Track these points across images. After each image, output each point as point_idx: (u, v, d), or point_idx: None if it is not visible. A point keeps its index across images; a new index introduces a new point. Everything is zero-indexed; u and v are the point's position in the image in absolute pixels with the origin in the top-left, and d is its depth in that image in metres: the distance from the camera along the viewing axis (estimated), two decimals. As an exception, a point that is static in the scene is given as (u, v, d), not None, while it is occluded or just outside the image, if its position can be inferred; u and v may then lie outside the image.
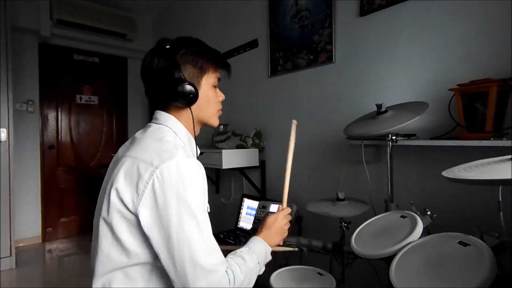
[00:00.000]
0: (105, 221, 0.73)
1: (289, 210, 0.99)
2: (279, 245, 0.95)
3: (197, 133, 0.92)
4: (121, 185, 0.71)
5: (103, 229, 0.73)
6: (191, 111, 0.86)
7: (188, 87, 0.81)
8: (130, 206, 0.70)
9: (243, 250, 0.80)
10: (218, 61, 0.90)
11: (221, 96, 0.94)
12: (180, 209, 0.68)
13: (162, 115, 0.86)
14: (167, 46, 0.82)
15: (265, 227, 0.92)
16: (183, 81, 0.81)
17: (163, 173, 0.69)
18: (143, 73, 0.86)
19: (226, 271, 0.70)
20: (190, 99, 0.83)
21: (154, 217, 0.68)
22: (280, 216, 0.95)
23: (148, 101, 0.91)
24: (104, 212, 0.73)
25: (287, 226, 0.95)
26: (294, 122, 1.05)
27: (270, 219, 0.93)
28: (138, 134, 0.86)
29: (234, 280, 0.70)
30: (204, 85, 0.87)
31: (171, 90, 0.81)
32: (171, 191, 0.68)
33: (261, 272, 0.83)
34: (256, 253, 0.81)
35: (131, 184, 0.71)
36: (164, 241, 0.67)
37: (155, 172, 0.69)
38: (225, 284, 0.69)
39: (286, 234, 0.95)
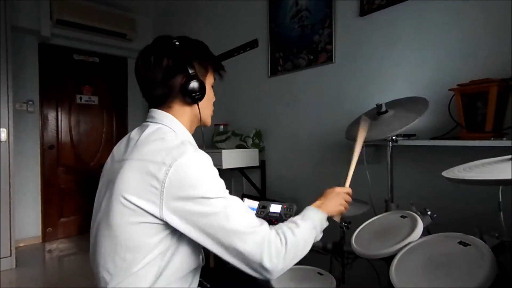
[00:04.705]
0: (118, 227, 0.72)
1: (349, 190, 0.99)
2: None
3: (192, 133, 0.92)
4: (131, 191, 0.70)
5: (117, 235, 0.72)
6: (198, 107, 0.87)
7: (200, 83, 0.83)
8: (150, 209, 0.69)
9: (296, 217, 0.83)
10: (218, 63, 0.94)
11: (214, 97, 0.97)
12: (204, 198, 0.69)
13: (159, 114, 0.85)
14: (177, 43, 0.83)
15: (322, 197, 0.94)
16: (196, 77, 0.82)
17: (178, 170, 0.69)
18: (145, 72, 0.83)
19: (277, 231, 0.74)
20: (201, 94, 0.85)
21: (183, 215, 0.69)
22: (337, 189, 0.96)
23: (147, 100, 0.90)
24: (116, 218, 0.72)
25: (344, 203, 0.95)
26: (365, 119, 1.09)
27: (327, 190, 0.96)
28: (134, 135, 0.84)
29: (286, 240, 0.73)
30: (207, 84, 0.88)
31: (181, 87, 0.82)
32: (191, 185, 0.69)
33: (318, 238, 0.86)
34: (310, 219, 0.83)
35: (145, 187, 0.69)
36: (203, 232, 0.70)
37: (169, 170, 0.69)
38: (276, 243, 0.71)
39: (341, 209, 0.94)
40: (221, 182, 0.76)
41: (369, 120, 1.06)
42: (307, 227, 0.80)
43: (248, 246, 0.69)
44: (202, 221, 0.69)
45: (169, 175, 0.69)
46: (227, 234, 0.69)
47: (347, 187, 1.00)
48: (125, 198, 0.70)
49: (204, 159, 0.74)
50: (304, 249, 0.78)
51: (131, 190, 0.70)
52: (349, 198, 0.97)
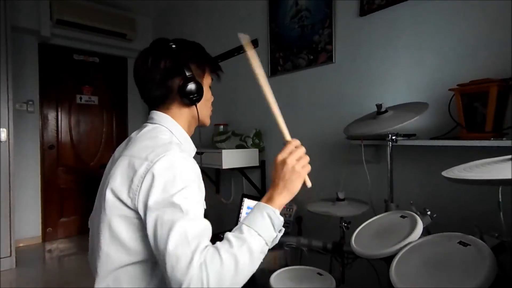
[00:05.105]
0: (104, 221, 0.73)
1: (295, 142, 0.75)
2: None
3: (191, 134, 0.92)
4: (117, 184, 0.72)
5: (102, 229, 0.74)
6: (196, 108, 0.87)
7: (197, 85, 0.84)
8: (128, 202, 0.70)
9: (234, 229, 0.69)
10: (215, 64, 0.94)
11: (212, 98, 0.97)
12: (165, 199, 0.67)
13: (158, 115, 0.86)
14: (173, 46, 0.84)
15: (272, 183, 0.74)
16: (193, 79, 0.83)
17: (157, 167, 0.69)
18: (144, 74, 0.85)
19: (201, 263, 0.60)
20: (199, 96, 0.85)
21: (145, 209, 0.68)
22: (280, 157, 0.73)
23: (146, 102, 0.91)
24: (102, 212, 0.74)
25: (301, 161, 0.73)
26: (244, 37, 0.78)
27: (274, 170, 0.74)
28: (133, 134, 0.86)
29: (208, 274, 0.59)
30: (204, 85, 0.89)
31: (179, 88, 0.83)
32: (161, 182, 0.68)
33: (276, 240, 0.71)
34: (251, 225, 0.67)
35: (127, 181, 0.71)
36: (152, 231, 0.66)
37: (150, 165, 0.69)
38: (195, 279, 0.58)
39: (304, 171, 0.73)
40: (193, 193, 0.70)
41: (247, 36, 0.77)
42: (244, 242, 0.65)
43: (174, 274, 0.60)
44: (153, 225, 0.66)
45: (148, 171, 0.69)
46: (162, 248, 0.63)
47: (290, 141, 0.75)
48: (111, 192, 0.72)
49: (187, 162, 0.73)
50: (240, 273, 0.62)
51: (117, 184, 0.72)
52: (301, 153, 0.74)
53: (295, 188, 0.72)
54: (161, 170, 0.69)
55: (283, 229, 0.74)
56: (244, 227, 0.67)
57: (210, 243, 0.66)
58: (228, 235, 0.66)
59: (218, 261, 0.61)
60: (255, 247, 0.65)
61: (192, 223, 0.65)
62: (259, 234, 0.67)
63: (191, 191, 0.70)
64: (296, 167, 0.72)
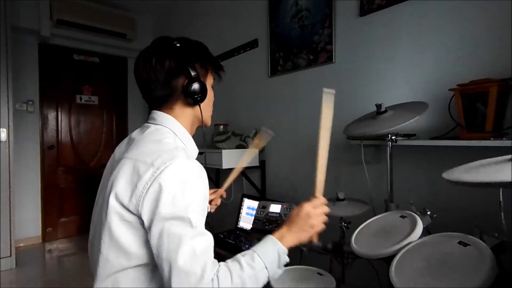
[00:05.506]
0: (104, 225, 0.72)
1: (321, 200, 0.83)
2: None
3: (193, 134, 0.92)
4: (120, 188, 0.71)
5: (102, 233, 0.73)
6: (200, 108, 0.87)
7: (202, 85, 0.83)
8: (131, 208, 0.69)
9: (245, 253, 0.72)
10: (217, 64, 0.93)
11: (213, 98, 0.97)
12: (174, 212, 0.67)
13: (160, 115, 0.85)
14: (178, 45, 0.83)
15: (287, 221, 0.81)
16: (198, 78, 0.82)
17: (165, 177, 0.68)
18: (147, 73, 0.82)
19: (212, 278, 0.64)
20: (203, 96, 0.85)
21: (151, 218, 0.68)
22: (306, 208, 0.80)
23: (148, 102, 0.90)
24: (103, 215, 0.73)
25: (318, 218, 0.80)
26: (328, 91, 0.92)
27: (293, 212, 0.81)
28: (135, 135, 0.85)
29: None
30: (207, 85, 0.88)
31: (183, 88, 0.82)
32: (170, 193, 0.67)
33: (276, 276, 0.76)
34: (262, 256, 0.71)
35: (131, 186, 0.70)
36: (157, 242, 0.66)
37: (156, 173, 0.68)
38: None
39: (313, 231, 0.80)
40: (201, 202, 0.72)
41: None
42: (254, 270, 0.69)
43: (179, 285, 0.63)
44: (159, 236, 0.66)
45: (154, 178, 0.68)
46: (170, 261, 0.64)
47: (319, 198, 0.84)
48: (115, 196, 0.71)
49: (195, 169, 0.73)
50: None
51: (120, 188, 0.71)
52: (323, 211, 0.82)
53: (303, 238, 0.79)
54: (169, 180, 0.68)
55: (284, 269, 0.79)
56: (256, 257, 0.71)
57: (216, 260, 0.69)
58: (241, 259, 0.70)
59: (229, 281, 0.66)
60: (261, 278, 0.71)
61: (200, 239, 0.67)
62: (266, 267, 0.71)
63: (199, 203, 0.71)
64: (314, 223, 0.79)
